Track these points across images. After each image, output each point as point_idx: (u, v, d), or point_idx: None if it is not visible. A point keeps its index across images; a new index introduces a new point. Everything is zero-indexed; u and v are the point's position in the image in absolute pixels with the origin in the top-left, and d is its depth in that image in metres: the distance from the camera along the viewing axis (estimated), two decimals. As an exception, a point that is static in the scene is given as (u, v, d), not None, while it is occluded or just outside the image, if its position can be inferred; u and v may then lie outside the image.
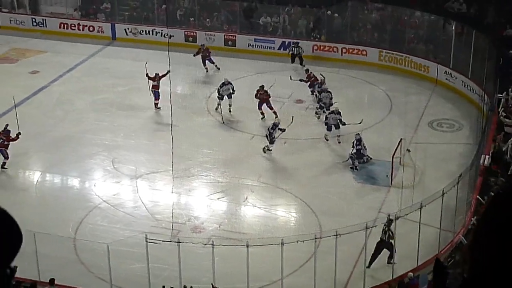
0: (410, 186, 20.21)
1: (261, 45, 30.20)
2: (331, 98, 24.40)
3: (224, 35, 30.87)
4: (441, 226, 17.71)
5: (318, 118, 24.33)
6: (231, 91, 24.88)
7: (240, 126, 24.37)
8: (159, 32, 30.97)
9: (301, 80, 25.92)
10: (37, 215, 19.16)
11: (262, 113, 24.47)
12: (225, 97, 24.87)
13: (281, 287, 16.50)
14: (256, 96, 24.52)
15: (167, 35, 28.89)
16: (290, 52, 29.10)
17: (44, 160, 22.77)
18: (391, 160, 20.77)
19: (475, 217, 17.84)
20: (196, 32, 31.07)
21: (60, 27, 32.75)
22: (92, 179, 21.70)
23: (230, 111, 24.99)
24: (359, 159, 21.57)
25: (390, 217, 17.14)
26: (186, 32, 31.13)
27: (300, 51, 28.79)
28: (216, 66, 28.41)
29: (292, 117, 23.11)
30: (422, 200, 17.23)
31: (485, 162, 20.04)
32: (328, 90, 24.58)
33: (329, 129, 23.07)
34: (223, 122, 24.51)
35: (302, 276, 17.06)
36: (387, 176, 20.98)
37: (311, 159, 22.01)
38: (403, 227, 17.40)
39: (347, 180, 21.27)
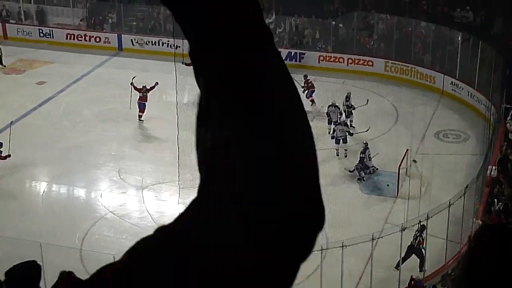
0: (417, 197, 20.17)
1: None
2: (340, 114, 23.82)
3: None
4: (448, 237, 17.66)
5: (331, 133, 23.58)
6: None
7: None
8: (165, 43, 31.05)
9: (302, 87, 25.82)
10: (44, 226, 19.19)
11: None
12: None
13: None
14: None
15: (174, 45, 28.95)
16: None
17: (51, 170, 22.81)
18: (397, 171, 20.74)
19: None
20: (202, 43, 31.10)
21: (66, 38, 32.90)
22: (98, 189, 21.73)
23: None
24: (364, 169, 21.55)
25: (422, 223, 17.15)
26: (192, 43, 31.16)
27: None
28: None
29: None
30: (429, 211, 17.19)
31: (492, 173, 20.00)
32: (336, 105, 24.13)
33: (337, 142, 22.93)
34: None
35: None
36: (388, 185, 20.98)
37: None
38: (409, 238, 17.36)
39: (353, 191, 21.23)
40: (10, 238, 17.70)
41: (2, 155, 21.77)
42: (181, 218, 1.07)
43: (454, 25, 28.29)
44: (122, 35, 32.42)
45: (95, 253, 18.15)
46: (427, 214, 16.91)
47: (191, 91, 27.30)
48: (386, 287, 17.24)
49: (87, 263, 18.18)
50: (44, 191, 21.66)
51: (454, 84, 27.01)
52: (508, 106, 23.62)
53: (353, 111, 24.29)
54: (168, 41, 30.55)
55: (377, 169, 21.82)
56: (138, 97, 25.20)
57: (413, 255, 17.38)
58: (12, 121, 23.49)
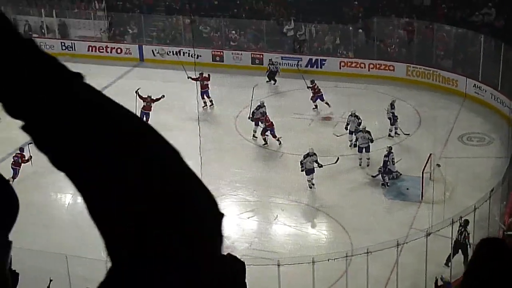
0: (441, 201, 20.02)
1: (288, 63, 30.04)
2: (359, 124, 23.32)
3: (251, 53, 30.96)
4: (474, 241, 17.50)
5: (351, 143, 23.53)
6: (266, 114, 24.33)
7: (268, 144, 24.33)
8: (186, 52, 31.14)
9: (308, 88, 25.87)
10: (69, 238, 19.27)
11: (265, 139, 24.09)
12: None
13: (313, 305, 16.40)
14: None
15: (194, 55, 29.06)
16: (269, 69, 28.88)
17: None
18: (421, 176, 20.62)
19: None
20: (223, 52, 31.21)
21: (88, 50, 33.15)
22: (122, 200, 21.77)
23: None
24: (388, 174, 21.43)
25: (464, 218, 17.13)
26: (213, 52, 31.29)
27: (277, 68, 28.70)
28: (211, 101, 27.07)
29: (338, 158, 22.01)
30: (454, 215, 17.06)
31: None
32: (356, 114, 23.71)
33: (359, 151, 22.68)
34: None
35: (334, 294, 16.95)
36: (408, 189, 20.92)
37: (340, 177, 21.90)
38: (435, 243, 17.22)
39: (377, 196, 21.14)
40: (36, 251, 17.78)
41: (25, 158, 22.04)
42: None
43: (475, 27, 28.11)
44: (143, 46, 32.59)
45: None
46: (452, 219, 16.78)
47: (212, 101, 27.37)
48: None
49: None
50: (69, 203, 21.76)
51: (477, 87, 26.83)
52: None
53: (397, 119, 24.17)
54: (189, 51, 30.65)
55: (400, 174, 21.71)
56: (142, 106, 25.22)
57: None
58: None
